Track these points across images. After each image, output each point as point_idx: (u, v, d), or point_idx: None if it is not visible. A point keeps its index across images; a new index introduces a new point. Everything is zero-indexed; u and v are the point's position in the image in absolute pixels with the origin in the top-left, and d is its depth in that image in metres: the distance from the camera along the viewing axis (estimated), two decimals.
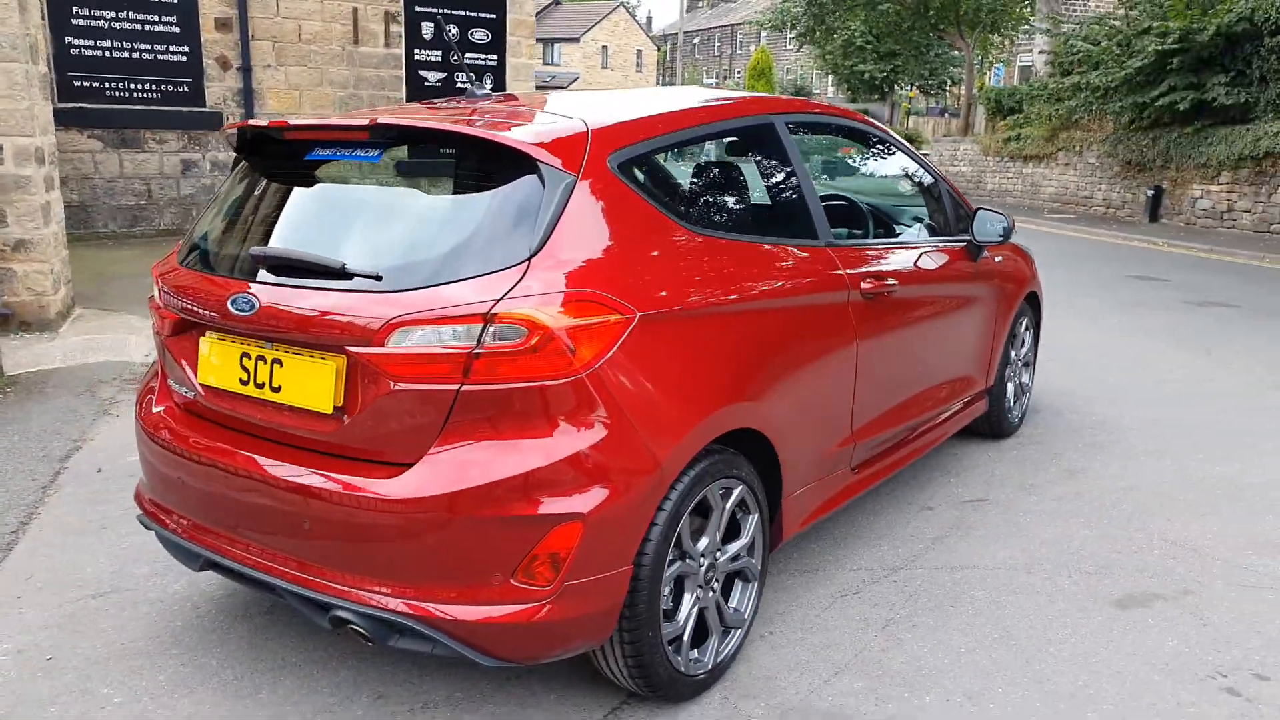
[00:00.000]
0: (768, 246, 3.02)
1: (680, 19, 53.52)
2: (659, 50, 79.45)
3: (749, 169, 3.29)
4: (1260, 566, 3.67)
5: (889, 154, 4.25)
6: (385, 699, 2.74)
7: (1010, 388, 5.02)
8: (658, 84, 76.18)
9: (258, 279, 2.50)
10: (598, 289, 2.37)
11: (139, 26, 10.26)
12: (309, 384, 2.40)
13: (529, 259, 2.31)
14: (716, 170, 3.15)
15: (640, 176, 2.68)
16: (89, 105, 9.94)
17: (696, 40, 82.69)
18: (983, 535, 3.91)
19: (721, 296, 2.71)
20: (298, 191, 2.78)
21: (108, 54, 10.17)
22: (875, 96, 52.04)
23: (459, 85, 2.65)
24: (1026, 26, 31.35)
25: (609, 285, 2.40)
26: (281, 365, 2.46)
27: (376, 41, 11.69)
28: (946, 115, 48.70)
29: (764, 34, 65.50)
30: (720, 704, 2.74)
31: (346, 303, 2.33)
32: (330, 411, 2.38)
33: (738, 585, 2.91)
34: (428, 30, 11.88)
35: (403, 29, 11.72)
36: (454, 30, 11.99)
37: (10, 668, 2.86)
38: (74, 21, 9.85)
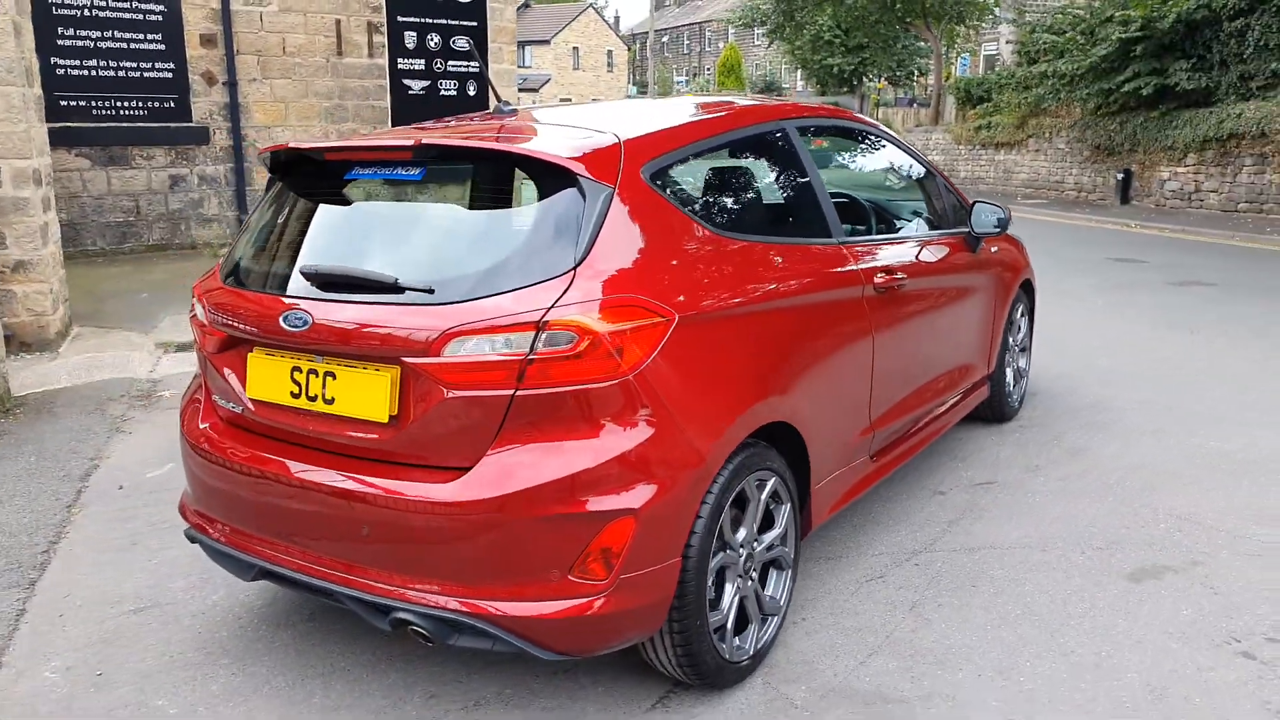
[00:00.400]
0: (789, 246, 3.13)
1: (650, 17, 53.61)
2: (629, 50, 79.54)
3: (766, 173, 3.40)
4: (1264, 537, 3.81)
5: (889, 150, 4.37)
6: (437, 698, 2.82)
7: (1010, 373, 5.16)
8: (629, 83, 76.29)
9: (309, 295, 2.57)
10: (639, 294, 2.46)
11: (125, 45, 10.22)
12: (364, 395, 2.48)
13: (574, 268, 2.40)
14: (737, 176, 3.26)
15: (670, 185, 2.78)
16: (76, 124, 9.90)
17: (665, 39, 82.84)
18: (995, 516, 4.03)
19: (750, 296, 2.81)
20: (341, 210, 2.86)
21: (94, 73, 10.13)
22: (844, 89, 52.35)
23: (495, 104, 2.74)
24: (991, 17, 31.72)
25: (648, 290, 2.49)
26: (335, 378, 2.53)
27: (360, 52, 11.70)
28: (915, 105, 49.07)
29: (732, 31, 65.71)
30: (763, 689, 2.84)
31: (401, 316, 2.41)
32: (386, 420, 2.45)
33: (773, 574, 3.01)
34: (410, 39, 11.90)
35: (386, 39, 11.74)
36: (436, 39, 12.03)
37: (63, 684, 2.91)
38: (59, 42, 9.81)
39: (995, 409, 5.07)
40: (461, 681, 2.89)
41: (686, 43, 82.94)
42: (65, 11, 9.89)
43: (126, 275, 9.80)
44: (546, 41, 66.85)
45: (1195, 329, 7.62)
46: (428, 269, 2.53)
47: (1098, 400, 5.65)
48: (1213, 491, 4.27)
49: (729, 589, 2.77)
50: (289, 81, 11.40)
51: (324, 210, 2.86)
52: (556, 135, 2.78)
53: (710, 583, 2.66)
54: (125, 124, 10.47)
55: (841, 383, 3.28)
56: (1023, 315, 5.35)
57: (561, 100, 67.11)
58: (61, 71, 9.85)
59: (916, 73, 50.97)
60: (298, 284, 2.65)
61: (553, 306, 2.33)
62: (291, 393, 2.63)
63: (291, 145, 2.84)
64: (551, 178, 2.52)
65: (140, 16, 10.32)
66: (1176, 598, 3.36)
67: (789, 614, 3.17)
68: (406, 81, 12.07)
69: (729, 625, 2.76)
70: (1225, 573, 3.53)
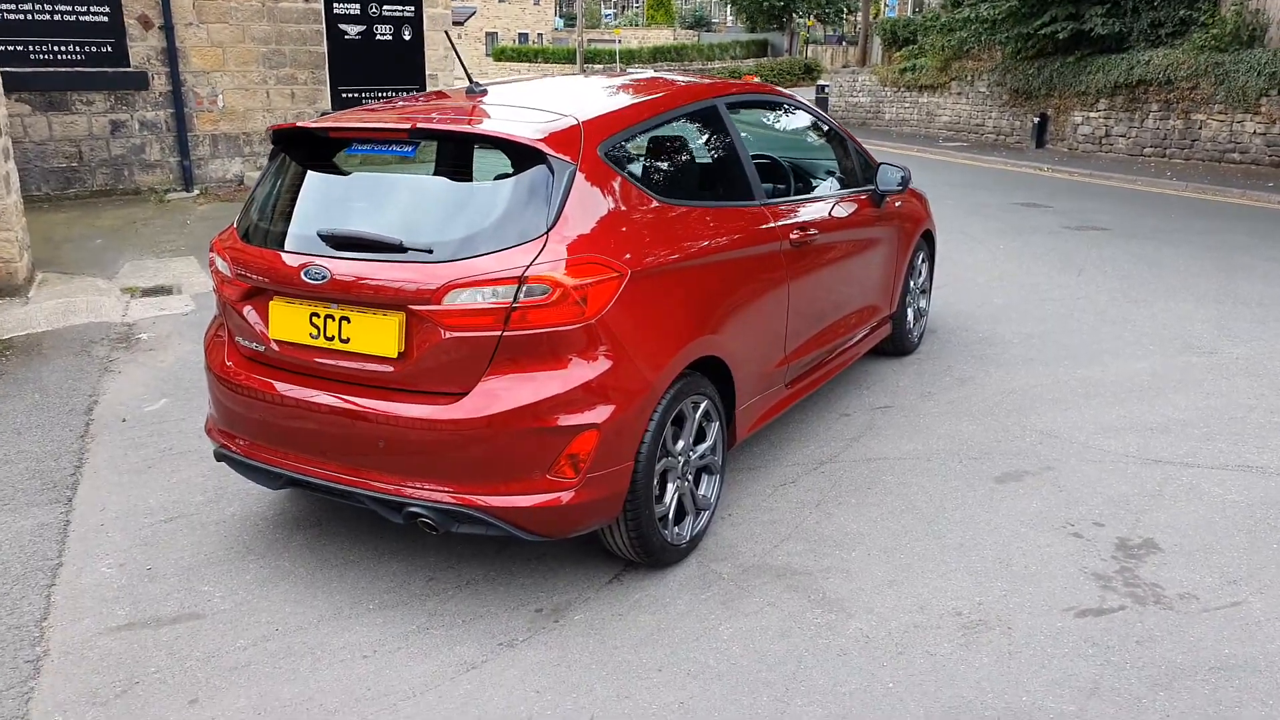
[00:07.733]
0: (719, 210, 3.77)
1: None
2: None
3: (700, 146, 4.01)
4: (1105, 446, 4.63)
5: (805, 118, 5.01)
6: (436, 581, 3.47)
7: (910, 313, 5.90)
8: (555, 15, 75.21)
9: (325, 253, 3.13)
10: (599, 254, 3.08)
11: None
12: (375, 335, 3.07)
13: (547, 232, 3.01)
14: (677, 149, 3.86)
15: (621, 159, 3.38)
16: (13, 69, 9.99)
17: None
18: (891, 434, 4.79)
19: (687, 253, 3.45)
20: (346, 179, 3.40)
21: (29, 17, 10.21)
22: (774, 25, 52.62)
23: (472, 83, 3.10)
24: None
25: (606, 250, 3.11)
26: (349, 321, 3.11)
27: None
28: (844, 43, 49.64)
29: None
30: (697, 566, 3.56)
31: (406, 271, 2.99)
32: (395, 356, 3.05)
33: (705, 477, 3.70)
34: None
35: None
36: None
37: (120, 578, 3.49)
38: None
39: (897, 344, 5.82)
40: (454, 568, 3.55)
41: None
42: None
43: (76, 221, 10.03)
44: None
45: (1081, 269, 8.49)
46: (425, 232, 3.10)
47: (988, 335, 6.46)
48: (1070, 410, 5.09)
49: (670, 488, 3.45)
50: (225, 26, 11.54)
51: (332, 180, 3.41)
52: (526, 118, 3.34)
53: (655, 482, 3.34)
54: (63, 69, 10.58)
55: (761, 324, 3.96)
56: (923, 261, 6.08)
57: (488, 34, 65.99)
58: None
59: (845, 10, 51.40)
60: (315, 243, 3.19)
61: (531, 264, 2.94)
62: (310, 334, 3.20)
63: (299, 125, 3.37)
64: (525, 156, 3.10)
65: None
66: (1030, 495, 4.14)
67: (717, 511, 3.88)
68: (343, 26, 12.28)
69: (670, 516, 3.45)
70: (1071, 475, 4.33)
